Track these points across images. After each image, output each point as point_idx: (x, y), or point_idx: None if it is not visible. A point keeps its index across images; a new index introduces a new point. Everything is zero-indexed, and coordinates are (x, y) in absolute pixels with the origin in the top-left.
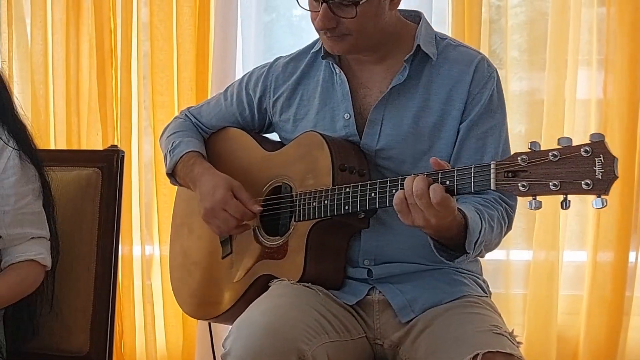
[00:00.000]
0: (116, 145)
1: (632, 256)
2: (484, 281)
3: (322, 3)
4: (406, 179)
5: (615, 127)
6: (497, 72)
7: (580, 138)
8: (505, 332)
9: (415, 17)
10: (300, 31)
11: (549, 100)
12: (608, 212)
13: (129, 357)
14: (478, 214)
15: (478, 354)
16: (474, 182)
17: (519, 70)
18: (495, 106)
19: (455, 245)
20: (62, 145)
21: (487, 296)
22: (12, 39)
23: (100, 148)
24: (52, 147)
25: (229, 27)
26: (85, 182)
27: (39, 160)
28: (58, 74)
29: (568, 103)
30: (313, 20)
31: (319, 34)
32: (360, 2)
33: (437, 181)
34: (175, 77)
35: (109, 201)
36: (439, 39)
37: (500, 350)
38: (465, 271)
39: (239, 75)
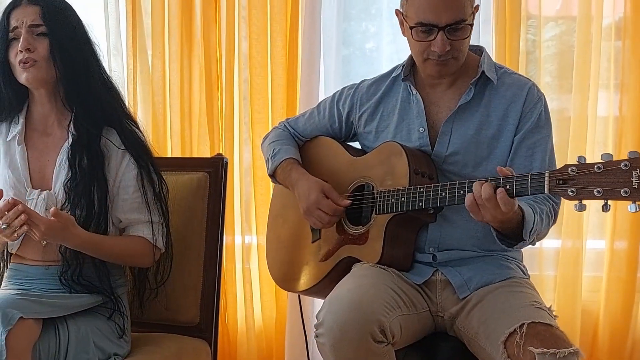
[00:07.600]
0: (221, 154)
1: None
2: (524, 266)
3: (438, 31)
4: (474, 184)
5: (629, 139)
6: (544, 96)
7: (600, 148)
8: (545, 307)
9: (477, 50)
10: (372, 61)
11: (574, 117)
12: (623, 209)
13: (232, 327)
14: (531, 208)
15: (523, 324)
16: (530, 187)
17: (550, 92)
18: (543, 123)
19: (514, 234)
20: (177, 154)
21: (527, 278)
22: (136, 67)
23: (208, 156)
24: (169, 155)
25: (314, 58)
26: (196, 184)
27: (154, 162)
28: (174, 96)
29: (590, 119)
30: (420, 49)
31: (422, 62)
32: (472, 23)
33: (499, 185)
34: (269, 99)
35: (215, 199)
36: (498, 67)
37: (541, 321)
38: (510, 258)
39: (321, 97)
